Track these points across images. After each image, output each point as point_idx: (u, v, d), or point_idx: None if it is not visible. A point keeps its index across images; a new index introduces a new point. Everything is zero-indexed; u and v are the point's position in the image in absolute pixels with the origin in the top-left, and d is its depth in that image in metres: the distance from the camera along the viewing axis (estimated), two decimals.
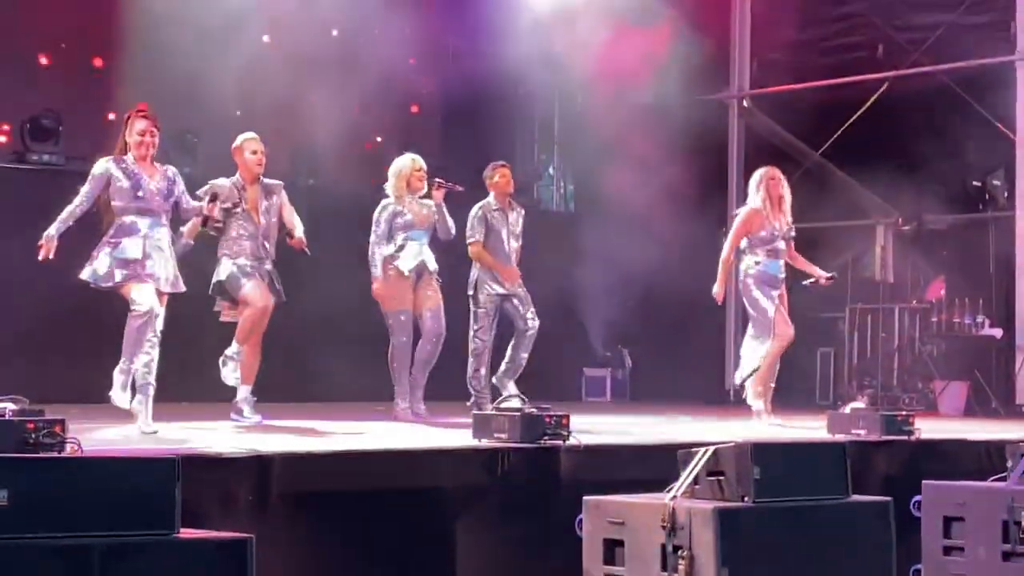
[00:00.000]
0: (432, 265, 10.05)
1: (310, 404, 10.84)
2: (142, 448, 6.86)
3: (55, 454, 5.59)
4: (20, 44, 12.59)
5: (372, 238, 10.03)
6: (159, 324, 8.19)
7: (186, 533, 5.08)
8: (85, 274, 8.22)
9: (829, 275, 10.58)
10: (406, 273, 9.91)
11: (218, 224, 9.13)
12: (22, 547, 4.71)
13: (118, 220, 8.22)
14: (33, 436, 5.64)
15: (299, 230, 9.44)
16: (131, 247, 8.18)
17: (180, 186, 8.48)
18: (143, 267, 8.17)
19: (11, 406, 5.88)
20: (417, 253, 9.97)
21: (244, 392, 9.31)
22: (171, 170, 8.46)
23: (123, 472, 5.07)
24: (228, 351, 9.26)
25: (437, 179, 10.04)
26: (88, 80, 12.82)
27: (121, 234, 8.21)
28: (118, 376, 8.10)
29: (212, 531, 5.44)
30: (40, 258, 8.07)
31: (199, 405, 10.30)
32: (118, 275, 8.16)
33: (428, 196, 10.07)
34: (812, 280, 10.57)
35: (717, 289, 10.40)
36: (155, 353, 8.13)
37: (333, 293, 12.28)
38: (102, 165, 8.26)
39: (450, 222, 10.08)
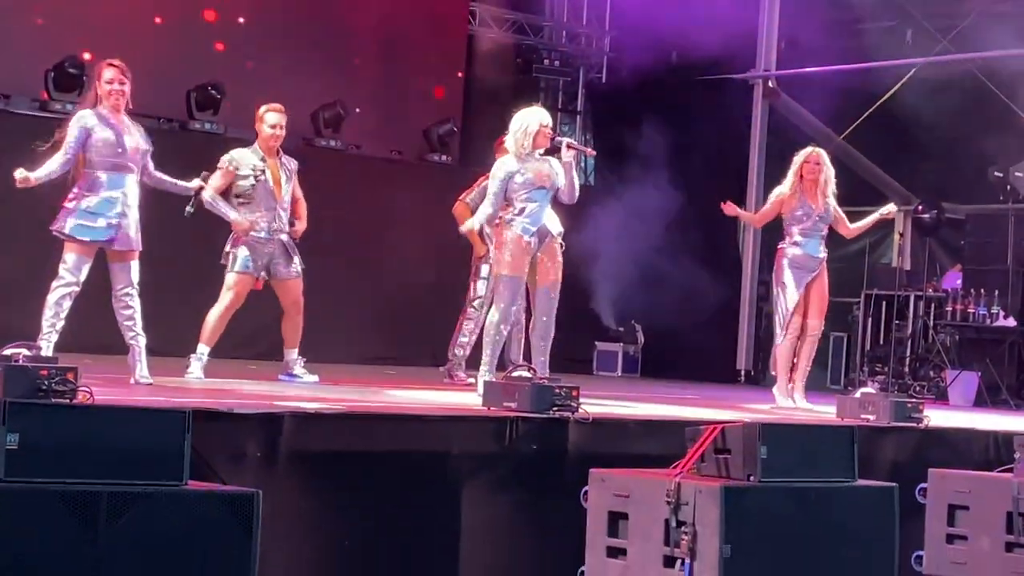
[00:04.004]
0: (555, 228, 9.00)
1: (327, 365, 10.78)
2: (153, 399, 6.89)
3: (67, 401, 5.63)
4: None
5: (489, 198, 8.99)
6: (135, 276, 7.99)
7: (194, 485, 5.12)
8: (66, 227, 7.91)
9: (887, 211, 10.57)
10: (526, 238, 8.84)
11: (245, 197, 9.19)
12: (30, 491, 4.75)
13: (92, 174, 7.95)
14: (46, 383, 5.67)
15: (302, 223, 9.42)
16: (104, 203, 7.94)
17: (150, 147, 8.19)
18: (113, 228, 7.90)
19: (25, 352, 5.92)
20: (538, 215, 8.93)
21: (292, 354, 9.43)
22: (141, 129, 8.20)
23: (134, 422, 5.11)
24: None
25: (567, 140, 9.22)
26: None
27: (96, 188, 7.93)
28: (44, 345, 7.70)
29: (220, 484, 5.48)
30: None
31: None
32: (81, 232, 7.89)
33: (549, 154, 9.16)
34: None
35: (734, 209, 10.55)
36: (135, 305, 8.00)
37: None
38: (85, 118, 7.94)
39: (576, 184, 9.09)
